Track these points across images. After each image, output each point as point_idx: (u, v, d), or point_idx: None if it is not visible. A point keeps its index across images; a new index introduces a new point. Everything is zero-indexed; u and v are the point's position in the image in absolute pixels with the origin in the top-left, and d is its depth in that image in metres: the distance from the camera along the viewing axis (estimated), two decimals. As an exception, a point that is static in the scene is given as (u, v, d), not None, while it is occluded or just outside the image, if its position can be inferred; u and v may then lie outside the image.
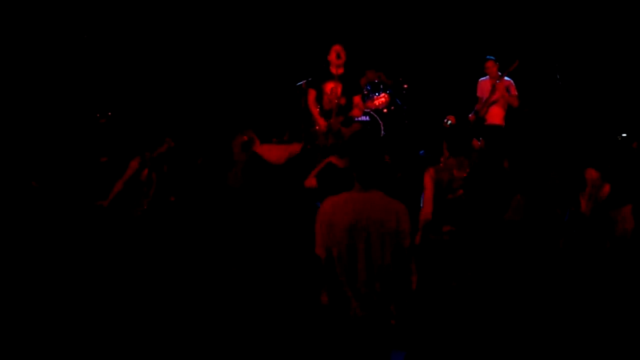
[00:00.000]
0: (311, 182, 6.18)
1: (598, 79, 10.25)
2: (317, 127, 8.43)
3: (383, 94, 9.47)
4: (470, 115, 9.86)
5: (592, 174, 6.85)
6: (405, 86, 11.36)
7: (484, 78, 10.00)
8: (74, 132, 9.89)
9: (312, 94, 8.53)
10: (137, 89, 11.43)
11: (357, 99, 8.52)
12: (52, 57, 10.79)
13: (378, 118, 10.83)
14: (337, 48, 8.40)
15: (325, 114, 8.40)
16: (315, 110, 8.44)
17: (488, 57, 9.85)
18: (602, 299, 4.74)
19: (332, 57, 8.39)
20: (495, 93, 9.61)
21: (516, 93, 9.57)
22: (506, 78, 9.60)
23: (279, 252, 5.96)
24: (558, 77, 9.27)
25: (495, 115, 9.72)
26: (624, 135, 10.19)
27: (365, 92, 10.97)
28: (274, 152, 6.13)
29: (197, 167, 8.15)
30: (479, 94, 10.03)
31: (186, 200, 7.75)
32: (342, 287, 4.29)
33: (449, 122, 7.85)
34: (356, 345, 4.17)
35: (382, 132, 10.87)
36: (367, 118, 10.75)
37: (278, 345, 5.12)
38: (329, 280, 4.36)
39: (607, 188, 6.70)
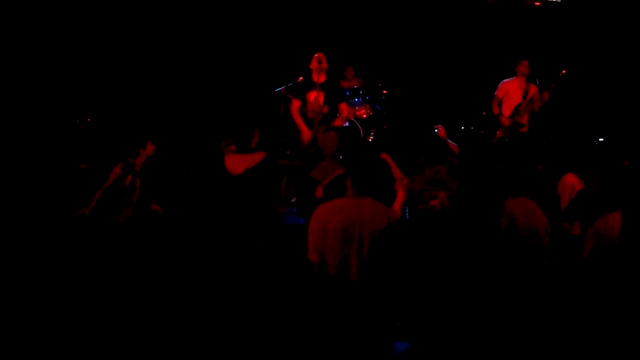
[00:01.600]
0: (319, 192, 6.19)
1: (577, 84, 10.37)
2: (302, 137, 8.47)
3: (365, 106, 9.50)
4: (503, 119, 9.51)
5: (571, 179, 6.91)
6: (385, 92, 11.41)
7: (509, 79, 9.60)
8: (52, 139, 9.81)
9: (296, 104, 8.53)
10: (117, 94, 11.38)
11: (343, 107, 8.52)
12: (28, 64, 10.70)
13: (357, 124, 10.85)
14: (318, 55, 8.42)
15: (308, 122, 8.42)
16: (299, 120, 8.45)
17: (524, 59, 9.51)
18: (592, 306, 4.76)
19: (313, 64, 8.40)
20: (531, 99, 9.34)
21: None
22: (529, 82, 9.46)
23: (270, 261, 5.95)
24: (537, 82, 9.35)
25: (525, 122, 9.49)
26: (601, 139, 10.33)
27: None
28: (235, 163, 6.11)
29: (188, 175, 8.12)
30: (500, 94, 9.60)
31: (175, 208, 7.71)
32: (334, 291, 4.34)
33: (437, 131, 7.85)
34: (353, 340, 4.19)
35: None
36: (347, 124, 10.76)
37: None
38: (322, 284, 4.40)
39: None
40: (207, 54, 11.91)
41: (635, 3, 11.37)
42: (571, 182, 6.85)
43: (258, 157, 6.04)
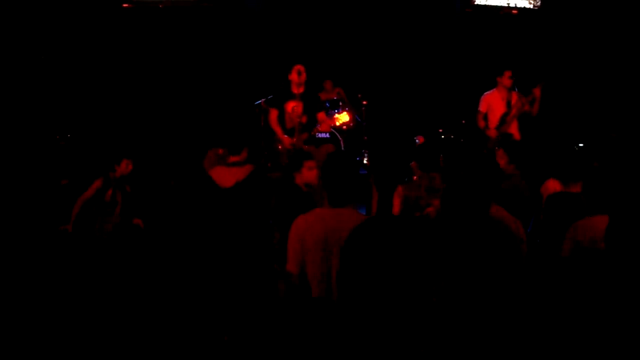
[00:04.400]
0: None
1: (556, 90, 10.44)
2: (279, 146, 8.50)
3: (345, 112, 9.49)
4: (490, 132, 9.47)
5: (554, 184, 6.92)
6: (365, 102, 11.42)
7: (490, 91, 9.59)
8: (32, 155, 9.75)
9: (274, 114, 8.61)
10: (97, 109, 11.34)
11: (321, 116, 8.59)
12: (7, 80, 10.65)
13: (338, 134, 10.86)
14: (298, 67, 8.47)
15: (287, 132, 8.47)
16: (278, 129, 8.51)
17: (506, 69, 9.46)
18: (570, 313, 4.76)
19: (293, 76, 8.47)
20: (515, 106, 9.31)
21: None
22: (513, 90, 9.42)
23: (252, 275, 5.92)
24: (516, 89, 9.39)
25: (515, 130, 9.45)
26: (581, 145, 10.37)
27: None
28: (224, 176, 6.07)
29: (169, 189, 8.08)
30: (483, 108, 9.59)
31: (158, 222, 7.68)
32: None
33: (417, 141, 7.86)
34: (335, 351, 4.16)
35: (342, 148, 10.89)
36: (327, 135, 10.76)
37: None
38: (301, 294, 4.37)
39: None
40: (186, 68, 11.90)
41: (612, 9, 11.48)
42: (553, 188, 6.86)
43: (247, 169, 6.03)
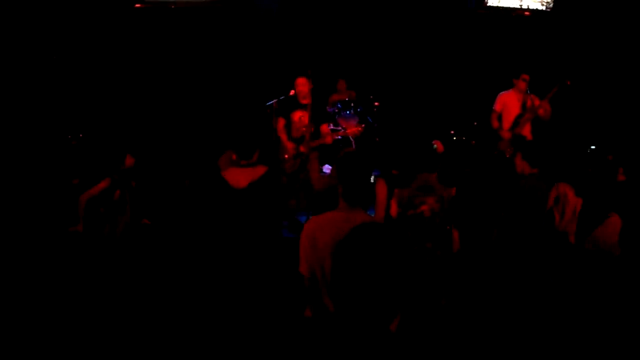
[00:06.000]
0: None
1: (566, 92, 10.41)
2: (285, 155, 8.53)
3: (357, 126, 9.54)
4: (503, 133, 9.46)
5: (564, 188, 6.91)
6: (376, 104, 11.42)
7: (507, 91, 9.56)
8: (44, 154, 9.78)
9: (281, 122, 8.72)
10: (109, 109, 11.37)
11: (324, 128, 8.62)
12: (20, 80, 10.69)
13: (350, 137, 10.83)
14: (300, 81, 8.52)
15: (294, 141, 8.52)
16: (283, 136, 8.62)
17: (523, 72, 9.42)
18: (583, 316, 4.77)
19: (297, 89, 8.53)
20: (530, 108, 9.29)
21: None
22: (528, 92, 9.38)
23: (264, 274, 5.92)
24: (528, 91, 9.37)
25: (528, 132, 9.41)
26: (593, 147, 10.34)
27: (337, 110, 11.02)
28: (238, 177, 6.05)
29: (184, 189, 8.08)
30: (498, 107, 9.55)
31: (171, 222, 7.68)
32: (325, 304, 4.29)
33: (435, 146, 7.83)
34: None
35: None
36: (339, 137, 10.74)
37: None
38: (313, 297, 4.35)
39: (580, 202, 6.75)
40: (199, 68, 11.92)
41: (624, 10, 11.45)
42: (564, 192, 6.85)
43: (260, 170, 6.01)
